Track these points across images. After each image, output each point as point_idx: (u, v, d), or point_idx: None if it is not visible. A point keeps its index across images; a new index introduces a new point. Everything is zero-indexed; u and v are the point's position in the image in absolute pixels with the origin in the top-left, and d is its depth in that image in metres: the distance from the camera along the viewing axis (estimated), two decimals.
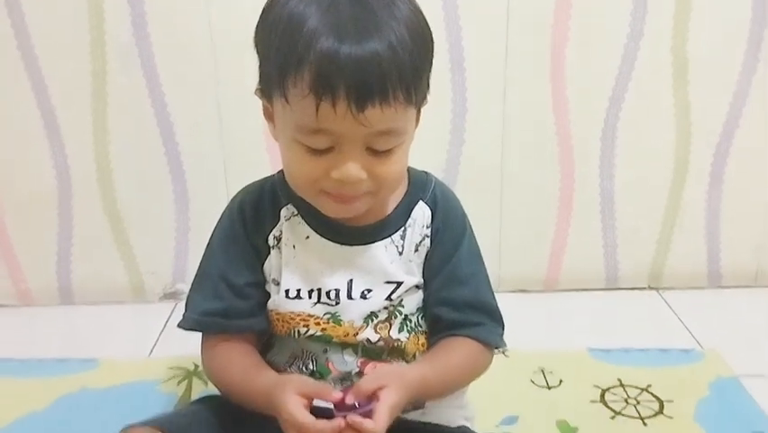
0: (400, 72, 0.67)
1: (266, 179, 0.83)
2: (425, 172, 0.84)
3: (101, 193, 1.32)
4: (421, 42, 0.70)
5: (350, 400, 0.68)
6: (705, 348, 1.20)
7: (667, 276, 1.41)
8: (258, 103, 1.29)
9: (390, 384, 0.68)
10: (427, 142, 1.25)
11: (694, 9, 1.25)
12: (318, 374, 0.80)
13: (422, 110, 0.76)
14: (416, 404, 0.79)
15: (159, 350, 1.24)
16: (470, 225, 0.83)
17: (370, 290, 0.79)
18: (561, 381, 1.11)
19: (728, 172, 1.35)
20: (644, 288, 1.42)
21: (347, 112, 0.66)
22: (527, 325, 1.30)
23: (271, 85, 0.71)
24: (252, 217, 0.81)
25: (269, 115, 0.76)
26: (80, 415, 1.04)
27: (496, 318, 0.82)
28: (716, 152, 1.34)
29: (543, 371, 1.13)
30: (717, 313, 1.35)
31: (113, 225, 1.34)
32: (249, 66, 1.25)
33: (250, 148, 1.29)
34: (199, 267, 0.85)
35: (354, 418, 0.66)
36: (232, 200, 0.84)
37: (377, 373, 0.72)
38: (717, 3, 1.25)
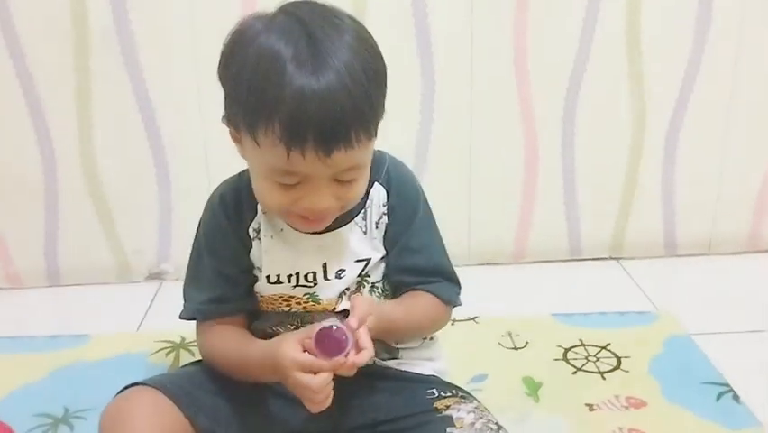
0: (360, 116, 0.72)
1: (242, 173, 0.88)
2: (380, 151, 0.88)
3: (85, 176, 1.37)
4: (373, 74, 0.74)
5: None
6: (660, 310, 1.29)
7: (627, 246, 1.49)
8: None
9: (372, 314, 0.77)
10: (398, 122, 1.33)
11: None
12: None
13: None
14: (392, 354, 0.87)
15: (146, 326, 1.29)
16: (425, 197, 0.90)
17: (343, 270, 0.86)
18: (527, 342, 1.18)
19: (681, 147, 1.43)
20: (606, 258, 1.50)
21: (315, 158, 0.72)
22: (496, 295, 1.38)
23: (239, 125, 0.76)
24: (233, 209, 0.87)
25: (236, 139, 0.81)
26: (75, 385, 1.09)
27: (452, 279, 0.91)
28: (669, 127, 1.42)
29: (510, 334, 1.21)
30: (673, 279, 1.44)
31: (97, 207, 1.39)
32: None
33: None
34: (190, 262, 0.91)
35: (355, 358, 0.73)
36: (211, 195, 0.90)
37: (358, 302, 0.78)
38: None
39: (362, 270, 0.86)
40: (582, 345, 1.17)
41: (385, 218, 0.87)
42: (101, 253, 1.42)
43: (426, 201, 0.90)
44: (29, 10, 1.27)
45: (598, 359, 1.13)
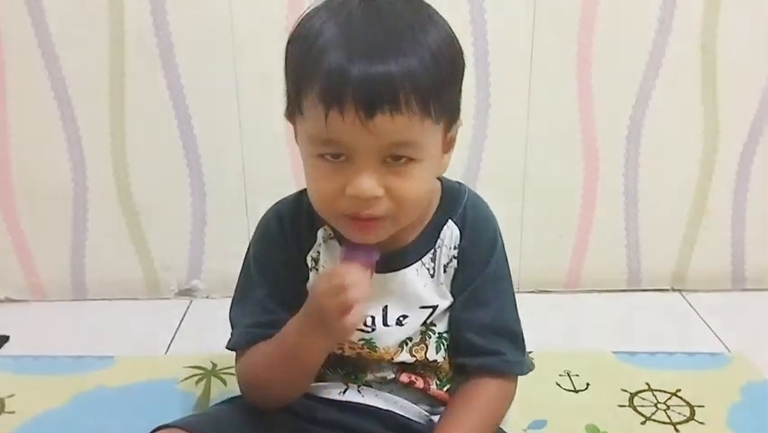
0: (414, 83, 0.64)
1: (301, 193, 0.79)
2: (459, 183, 0.80)
3: (116, 186, 1.30)
4: (445, 65, 0.67)
5: None
6: (732, 352, 1.18)
7: (691, 277, 1.39)
8: (277, 93, 1.27)
9: None
10: None
11: (723, 3, 1.22)
12: (354, 376, 0.80)
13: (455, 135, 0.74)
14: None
15: (175, 348, 1.22)
16: (502, 243, 0.80)
17: (405, 316, 0.76)
18: (587, 384, 1.08)
19: (755, 172, 1.32)
20: (667, 289, 1.40)
21: (355, 120, 0.63)
22: (550, 326, 1.28)
23: (290, 101, 0.70)
24: (292, 231, 0.78)
25: (294, 131, 0.74)
26: (97, 414, 1.02)
27: (517, 343, 0.80)
28: (743, 150, 1.31)
29: (568, 373, 1.11)
30: (742, 315, 1.32)
31: (128, 218, 1.32)
32: (269, 60, 1.23)
33: (269, 142, 1.26)
34: (239, 287, 0.82)
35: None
36: (267, 214, 0.81)
37: None
38: None
39: (427, 318, 0.77)
40: (650, 389, 1.07)
41: (455, 262, 0.77)
42: (129, 266, 1.35)
43: (503, 248, 0.80)
44: (63, 9, 1.20)
45: (668, 407, 1.03)
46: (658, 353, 1.17)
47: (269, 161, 1.28)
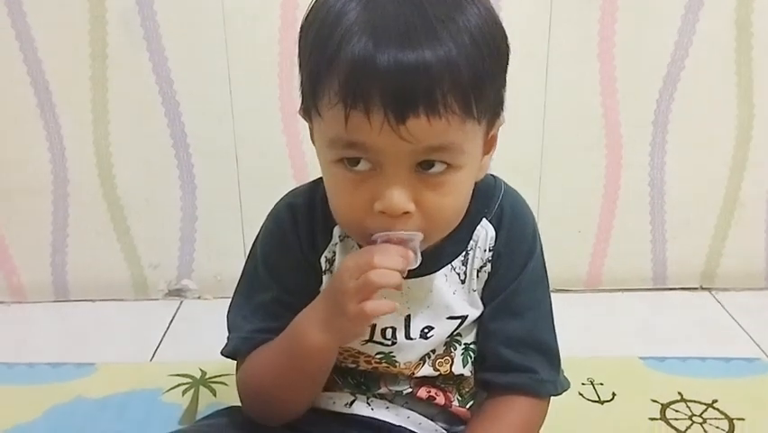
0: (454, 77, 0.53)
1: (316, 183, 0.68)
2: (494, 177, 0.70)
3: (99, 178, 1.20)
4: (488, 52, 0.57)
5: None
6: None
7: (721, 275, 1.29)
8: (271, 76, 1.17)
9: None
10: None
11: None
12: (365, 387, 0.70)
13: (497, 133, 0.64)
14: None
15: (162, 353, 1.12)
16: (541, 245, 0.71)
17: (431, 328, 0.67)
18: (614, 394, 0.98)
19: None
20: (696, 288, 1.30)
21: (384, 123, 0.53)
22: (569, 328, 1.16)
23: (305, 97, 0.59)
24: (306, 228, 0.68)
25: (310, 130, 0.64)
26: (72, 428, 0.92)
27: (552, 359, 0.70)
28: None
29: (592, 382, 1.01)
30: None
31: (112, 213, 1.22)
32: (261, 45, 1.14)
33: (264, 129, 1.17)
34: (243, 285, 0.71)
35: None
36: (278, 206, 0.71)
37: None
38: None
39: (455, 329, 0.67)
40: (683, 400, 0.97)
41: (488, 266, 0.68)
42: (115, 265, 1.25)
43: (542, 251, 0.70)
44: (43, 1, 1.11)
45: (705, 420, 0.93)
46: (689, 358, 1.07)
47: (264, 150, 1.19)
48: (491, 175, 0.71)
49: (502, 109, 0.62)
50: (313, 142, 0.63)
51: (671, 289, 1.30)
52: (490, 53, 0.56)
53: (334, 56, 0.54)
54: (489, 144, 0.63)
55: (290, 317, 0.65)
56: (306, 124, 0.64)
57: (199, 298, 1.27)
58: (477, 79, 0.55)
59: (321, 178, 0.66)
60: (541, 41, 1.15)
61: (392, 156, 0.55)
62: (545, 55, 1.15)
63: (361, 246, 0.64)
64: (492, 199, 0.68)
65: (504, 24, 0.60)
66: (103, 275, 1.26)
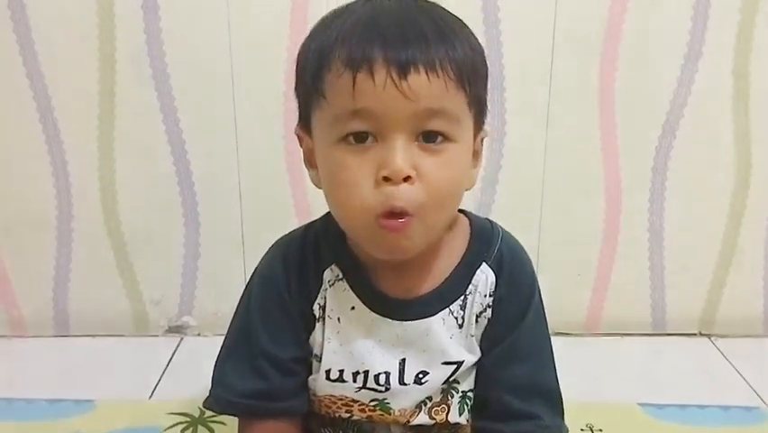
0: (450, 52, 0.59)
1: (307, 227, 0.70)
2: (489, 221, 0.71)
3: (104, 214, 1.21)
4: (481, 59, 0.64)
5: None
6: None
7: (720, 321, 1.29)
8: (276, 115, 1.18)
9: None
10: None
11: (758, 23, 1.14)
12: None
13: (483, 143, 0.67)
14: None
15: (161, 391, 1.12)
16: (539, 289, 0.71)
17: (425, 373, 0.67)
18: None
19: None
20: (695, 334, 1.30)
21: (387, 79, 0.56)
22: (567, 371, 1.16)
23: (309, 95, 0.62)
24: (298, 278, 0.68)
25: (309, 161, 0.67)
26: None
27: (555, 405, 0.71)
28: None
29: (591, 428, 1.01)
30: None
31: (115, 249, 1.23)
32: (267, 83, 1.15)
33: (268, 167, 1.18)
34: (232, 334, 0.72)
35: None
36: (272, 254, 0.71)
37: None
38: None
39: (450, 375, 0.67)
40: None
41: (489, 312, 0.68)
42: (116, 300, 1.25)
43: (540, 295, 0.71)
44: (51, 33, 1.12)
45: None
46: (688, 406, 1.07)
47: (268, 189, 1.20)
48: (488, 220, 0.72)
49: (484, 119, 0.66)
50: (306, 164, 0.66)
51: (669, 334, 1.30)
52: (482, 61, 0.63)
53: (339, 32, 0.59)
54: (475, 156, 0.66)
55: (278, 378, 0.67)
56: None
57: (199, 334, 1.27)
58: (469, 60, 0.60)
59: (314, 220, 0.67)
60: (542, 86, 1.16)
61: (395, 121, 0.58)
62: (546, 101, 1.17)
63: (350, 283, 0.66)
64: (491, 243, 0.69)
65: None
66: (104, 310, 1.25)
